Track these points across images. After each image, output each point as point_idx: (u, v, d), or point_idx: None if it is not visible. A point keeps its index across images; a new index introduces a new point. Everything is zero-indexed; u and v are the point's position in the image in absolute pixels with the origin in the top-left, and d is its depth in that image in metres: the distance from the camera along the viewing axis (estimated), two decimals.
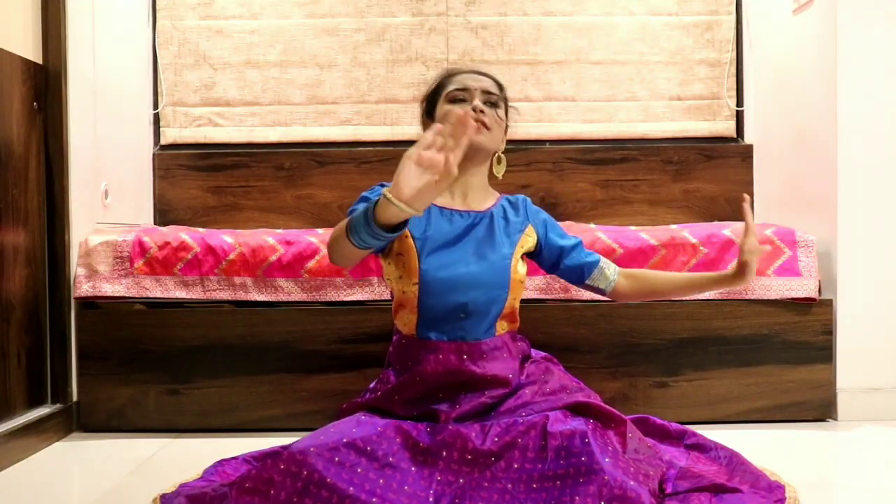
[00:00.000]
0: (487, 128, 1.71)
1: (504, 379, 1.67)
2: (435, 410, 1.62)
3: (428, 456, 1.49)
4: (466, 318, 1.67)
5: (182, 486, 1.65)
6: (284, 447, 1.48)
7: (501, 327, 1.73)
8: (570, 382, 1.79)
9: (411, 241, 1.67)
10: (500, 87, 1.80)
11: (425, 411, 1.63)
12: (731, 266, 1.74)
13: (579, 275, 1.82)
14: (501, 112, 1.77)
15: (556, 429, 1.49)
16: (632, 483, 1.40)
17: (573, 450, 1.44)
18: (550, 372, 1.78)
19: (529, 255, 1.81)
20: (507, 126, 1.82)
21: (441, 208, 1.73)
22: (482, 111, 1.71)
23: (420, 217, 1.63)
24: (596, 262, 1.83)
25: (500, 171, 1.80)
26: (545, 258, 1.82)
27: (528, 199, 1.85)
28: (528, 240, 1.78)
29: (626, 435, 1.59)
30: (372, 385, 1.80)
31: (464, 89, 1.74)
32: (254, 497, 1.40)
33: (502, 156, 1.79)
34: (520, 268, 1.73)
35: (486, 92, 1.75)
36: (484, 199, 1.79)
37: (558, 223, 1.87)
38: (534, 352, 1.89)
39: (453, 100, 1.74)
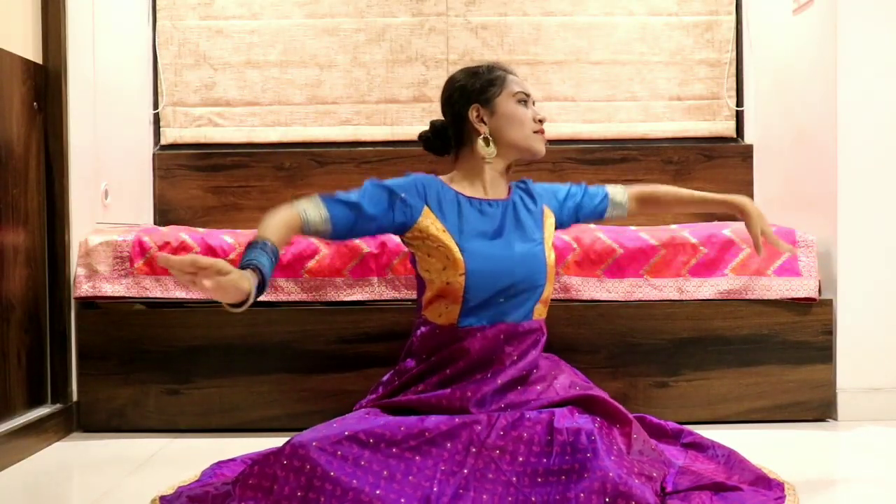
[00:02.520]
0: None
1: (526, 361, 1.72)
2: (465, 388, 1.66)
3: (433, 447, 1.49)
4: (506, 302, 1.71)
5: (181, 488, 1.65)
6: (286, 442, 1.48)
7: (539, 312, 1.77)
8: (579, 380, 1.80)
9: (448, 233, 1.70)
10: None
11: (456, 389, 1.66)
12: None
13: (598, 215, 1.96)
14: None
15: (562, 425, 1.50)
16: (635, 482, 1.41)
17: (579, 446, 1.44)
18: (560, 368, 1.80)
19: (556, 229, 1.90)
20: None
21: (470, 198, 1.77)
22: (543, 120, 1.83)
23: (451, 207, 1.72)
24: (605, 197, 1.95)
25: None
26: (566, 223, 1.93)
27: (530, 181, 1.91)
28: (550, 223, 1.86)
29: (632, 436, 1.60)
30: (386, 378, 1.80)
31: (527, 94, 1.83)
32: (257, 493, 1.41)
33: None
34: (551, 253, 1.80)
35: (534, 102, 1.87)
36: (502, 188, 1.84)
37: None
38: None
39: (520, 101, 1.81)
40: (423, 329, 1.76)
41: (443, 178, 1.81)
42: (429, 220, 1.70)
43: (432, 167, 2.87)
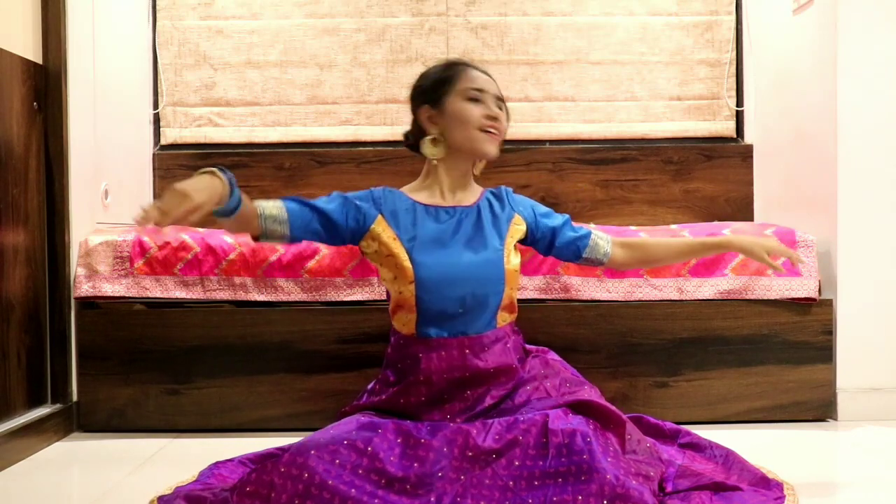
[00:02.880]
0: (499, 135, 1.74)
1: (508, 367, 1.69)
2: (442, 413, 1.63)
3: (430, 452, 1.49)
4: (466, 313, 1.67)
5: (178, 488, 1.65)
6: (282, 449, 1.48)
7: (503, 319, 1.73)
8: (571, 376, 1.79)
9: (399, 242, 1.68)
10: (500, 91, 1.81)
11: (431, 415, 1.64)
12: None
13: (574, 251, 1.84)
14: (503, 116, 1.77)
15: (557, 426, 1.49)
16: (633, 482, 1.40)
17: (574, 448, 1.44)
18: (549, 366, 1.79)
19: (523, 243, 1.82)
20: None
21: (426, 206, 1.73)
22: (498, 118, 1.73)
23: (406, 217, 1.68)
24: (587, 236, 1.84)
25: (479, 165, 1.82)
26: (539, 242, 1.83)
27: (511, 189, 1.85)
28: (518, 229, 1.78)
29: (626, 437, 1.59)
30: (370, 386, 1.80)
31: (480, 90, 1.73)
32: (255, 500, 1.40)
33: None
34: (513, 258, 1.73)
35: (497, 97, 1.76)
36: (470, 194, 1.80)
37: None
38: (528, 346, 1.89)
39: (470, 98, 1.72)
40: (392, 338, 1.76)
41: (406, 187, 1.79)
42: (381, 228, 1.69)
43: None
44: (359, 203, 1.71)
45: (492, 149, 1.73)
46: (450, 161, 1.76)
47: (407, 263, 1.66)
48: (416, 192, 1.77)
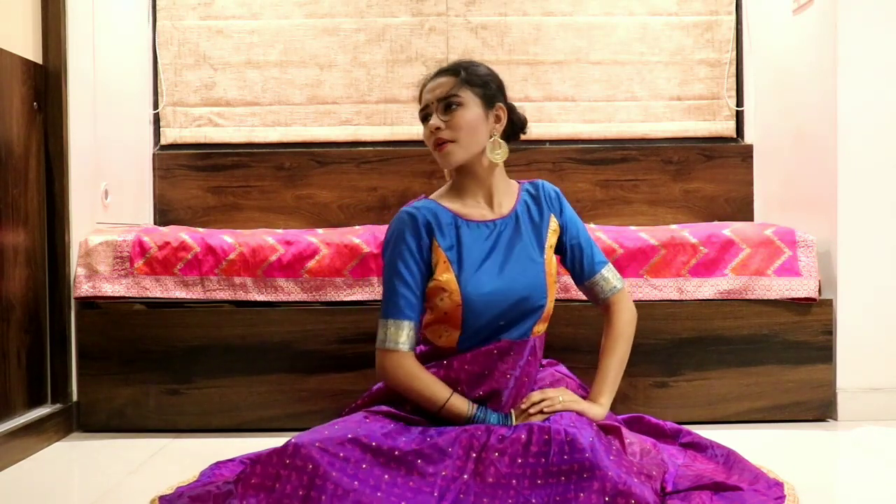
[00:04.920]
0: (452, 141, 1.68)
1: (522, 379, 1.70)
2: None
3: (433, 452, 1.49)
4: (507, 325, 1.67)
5: (180, 487, 1.65)
6: (287, 442, 1.48)
7: (539, 329, 1.73)
8: (577, 389, 1.80)
9: (449, 264, 1.66)
10: (459, 74, 1.70)
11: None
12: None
13: (588, 272, 1.79)
14: (468, 107, 1.68)
15: (560, 425, 1.50)
16: (635, 481, 1.41)
17: (577, 446, 1.44)
18: (557, 380, 1.80)
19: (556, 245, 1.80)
20: (487, 112, 1.72)
21: (467, 221, 1.71)
22: (437, 129, 1.67)
23: (450, 233, 1.66)
24: (604, 265, 1.80)
25: (496, 157, 1.71)
26: (559, 243, 1.80)
27: (545, 184, 1.81)
28: (553, 234, 1.77)
29: (626, 440, 1.60)
30: (376, 387, 1.81)
31: (425, 107, 1.72)
32: (259, 492, 1.41)
33: (500, 140, 1.72)
34: (551, 268, 1.72)
35: (440, 99, 1.69)
36: (506, 196, 1.76)
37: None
38: None
39: (422, 119, 1.73)
40: (422, 347, 1.76)
41: (437, 195, 1.77)
42: (434, 254, 1.68)
43: (432, 167, 2.89)
44: (415, 247, 1.67)
45: (445, 160, 1.69)
46: (457, 172, 1.75)
47: (455, 286, 1.64)
48: (453, 203, 1.74)
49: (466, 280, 1.65)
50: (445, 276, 1.65)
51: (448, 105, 1.68)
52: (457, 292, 1.64)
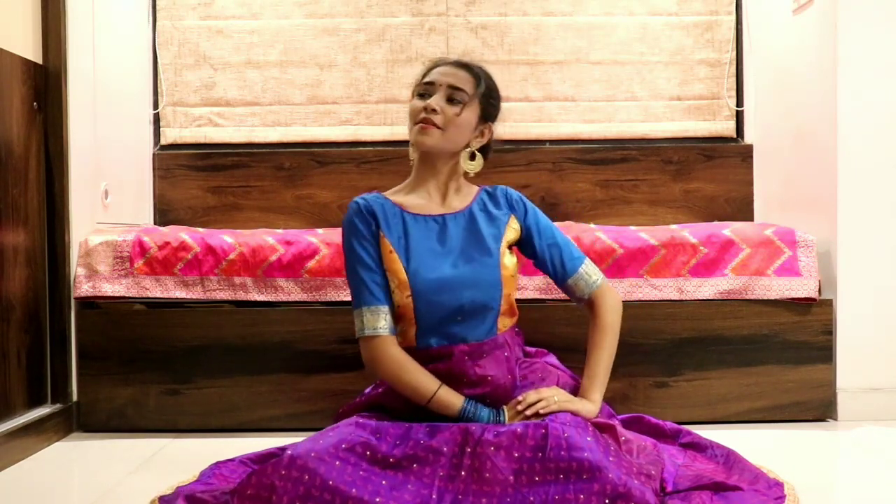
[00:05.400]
0: (439, 127, 1.69)
1: (500, 383, 1.68)
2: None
3: (429, 453, 1.48)
4: (465, 321, 1.66)
5: (179, 488, 1.65)
6: (282, 449, 1.48)
7: (503, 324, 1.72)
8: (569, 379, 1.79)
9: (395, 255, 1.67)
10: (479, 82, 1.74)
11: (425, 415, 1.64)
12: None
13: (561, 272, 1.77)
14: (470, 111, 1.72)
15: (556, 422, 1.50)
16: (635, 482, 1.40)
17: (575, 444, 1.43)
18: (547, 372, 1.79)
19: (518, 245, 1.79)
20: (479, 124, 1.75)
21: (414, 215, 1.72)
22: (433, 110, 1.69)
23: (396, 226, 1.66)
24: (582, 260, 1.78)
25: (469, 167, 1.75)
26: (527, 246, 1.79)
27: (508, 188, 1.82)
28: (512, 231, 1.76)
29: (620, 438, 1.59)
30: (368, 390, 1.81)
31: (430, 83, 1.73)
32: (256, 503, 1.40)
33: (476, 152, 1.75)
34: (507, 261, 1.71)
35: (451, 87, 1.71)
36: (461, 197, 1.77)
37: (554, 222, 1.84)
38: (527, 348, 1.89)
39: (420, 94, 1.74)
40: None
41: (391, 191, 1.78)
42: (382, 243, 1.69)
43: None
44: (366, 232, 1.69)
45: (421, 139, 1.69)
46: (420, 160, 1.76)
47: (403, 276, 1.65)
48: (403, 197, 1.76)
49: (415, 271, 1.65)
50: (393, 266, 1.66)
51: (452, 98, 1.71)
52: (405, 283, 1.65)
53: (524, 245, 1.79)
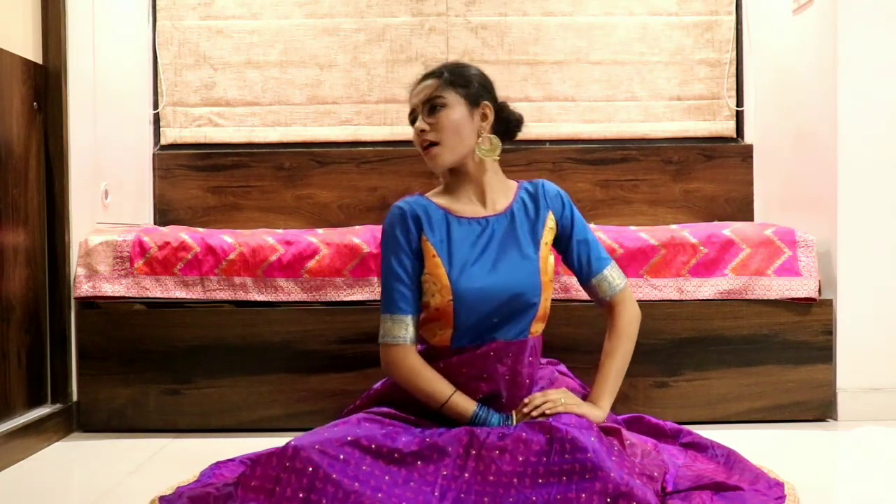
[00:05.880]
0: (436, 143, 1.69)
1: (519, 381, 1.69)
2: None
3: (433, 452, 1.49)
4: (501, 323, 1.67)
5: (179, 488, 1.65)
6: (287, 444, 1.48)
7: (536, 328, 1.72)
8: (577, 388, 1.80)
9: (438, 259, 1.66)
10: (442, 76, 1.71)
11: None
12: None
13: (588, 271, 1.76)
14: (452, 108, 1.69)
15: (561, 424, 1.50)
16: (637, 482, 1.40)
17: (578, 445, 1.44)
18: (556, 379, 1.79)
19: (552, 242, 1.77)
20: (472, 111, 1.71)
21: (459, 217, 1.71)
22: (422, 131, 1.69)
23: (440, 229, 1.66)
24: (608, 262, 1.78)
25: (485, 153, 1.71)
26: (559, 241, 1.78)
27: (546, 183, 1.79)
28: (549, 230, 1.74)
29: (625, 441, 1.60)
30: (377, 385, 1.81)
31: (412, 111, 1.74)
32: (259, 494, 1.41)
33: (489, 136, 1.72)
34: (548, 267, 1.71)
35: (426, 101, 1.70)
36: (501, 195, 1.75)
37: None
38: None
39: (412, 122, 1.74)
40: (419, 346, 1.75)
41: (432, 193, 1.77)
42: (424, 248, 1.68)
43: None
44: (404, 242, 1.68)
45: (432, 164, 1.71)
46: (448, 173, 1.76)
47: (446, 281, 1.64)
48: (447, 200, 1.74)
49: (457, 275, 1.64)
50: (436, 271, 1.66)
51: (432, 107, 1.70)
52: (447, 287, 1.64)
53: (558, 240, 1.78)
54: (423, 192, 1.77)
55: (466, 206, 1.73)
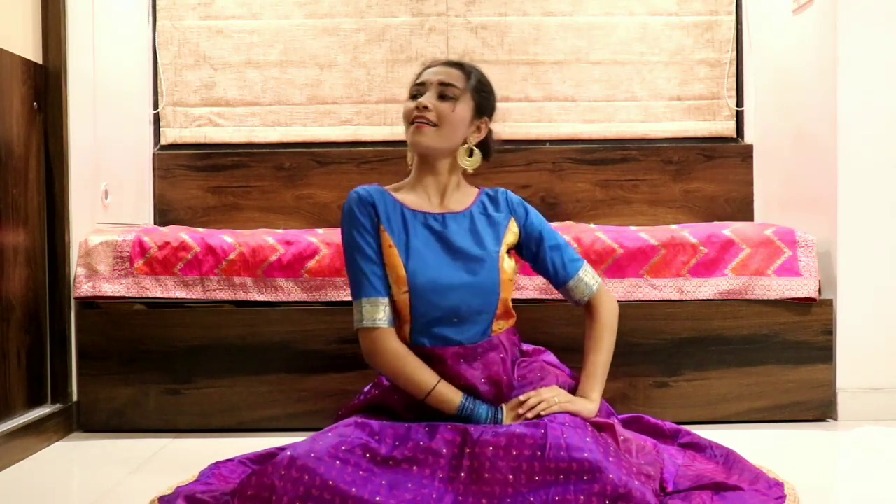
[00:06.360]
0: (433, 124, 1.68)
1: (498, 380, 1.68)
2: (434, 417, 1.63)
3: (428, 454, 1.48)
4: (460, 323, 1.66)
5: (179, 488, 1.65)
6: (281, 448, 1.48)
7: (499, 326, 1.72)
8: (568, 379, 1.79)
9: (394, 249, 1.66)
10: (470, 76, 1.74)
11: (424, 415, 1.64)
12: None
13: (563, 276, 1.77)
14: (462, 105, 1.71)
15: (555, 421, 1.50)
16: (636, 483, 1.40)
17: (574, 444, 1.44)
18: (546, 371, 1.78)
19: (516, 249, 1.78)
20: (474, 119, 1.74)
21: (415, 212, 1.71)
22: (426, 107, 1.68)
23: (397, 221, 1.65)
24: (580, 263, 1.78)
25: (466, 163, 1.73)
26: (526, 249, 1.78)
27: (509, 192, 1.81)
28: (511, 234, 1.75)
29: (619, 437, 1.59)
30: (366, 389, 1.81)
31: (421, 84, 1.73)
32: None
33: (474, 149, 1.74)
34: (506, 266, 1.71)
35: (442, 84, 1.71)
36: (461, 197, 1.76)
37: (554, 222, 1.83)
38: (524, 345, 1.89)
39: (412, 96, 1.74)
40: None
41: (391, 187, 1.76)
42: (382, 236, 1.67)
43: None
44: (367, 222, 1.67)
45: (417, 138, 1.69)
46: (418, 161, 1.75)
47: (402, 272, 1.64)
48: (403, 194, 1.75)
49: (414, 269, 1.64)
50: (392, 261, 1.65)
51: (445, 95, 1.70)
52: (402, 279, 1.64)
53: (522, 248, 1.79)
54: (381, 185, 1.77)
55: (424, 203, 1.73)
